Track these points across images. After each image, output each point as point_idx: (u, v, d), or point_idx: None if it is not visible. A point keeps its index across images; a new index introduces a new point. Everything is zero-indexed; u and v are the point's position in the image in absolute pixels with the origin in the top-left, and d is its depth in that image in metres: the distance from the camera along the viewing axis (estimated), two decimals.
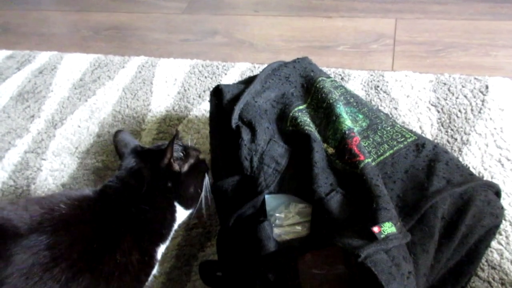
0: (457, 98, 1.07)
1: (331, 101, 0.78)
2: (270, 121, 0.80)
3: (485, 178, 0.90)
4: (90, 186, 0.98)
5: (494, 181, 0.90)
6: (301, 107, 0.81)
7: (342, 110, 0.77)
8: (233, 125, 0.78)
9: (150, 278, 0.74)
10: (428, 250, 0.60)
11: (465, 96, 1.07)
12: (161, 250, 0.75)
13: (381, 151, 0.72)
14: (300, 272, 0.65)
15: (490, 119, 1.01)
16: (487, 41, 1.25)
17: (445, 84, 1.11)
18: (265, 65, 1.29)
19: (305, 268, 0.65)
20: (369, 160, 0.68)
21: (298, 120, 0.76)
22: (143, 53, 1.47)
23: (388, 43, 1.32)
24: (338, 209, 0.63)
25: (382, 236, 0.56)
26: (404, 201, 0.65)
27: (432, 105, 1.07)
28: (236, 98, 0.81)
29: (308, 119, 0.79)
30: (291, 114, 0.79)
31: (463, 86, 1.10)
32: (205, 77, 1.29)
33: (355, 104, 0.81)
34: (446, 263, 0.65)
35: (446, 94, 1.09)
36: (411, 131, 0.76)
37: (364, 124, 0.77)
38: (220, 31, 1.54)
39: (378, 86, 1.15)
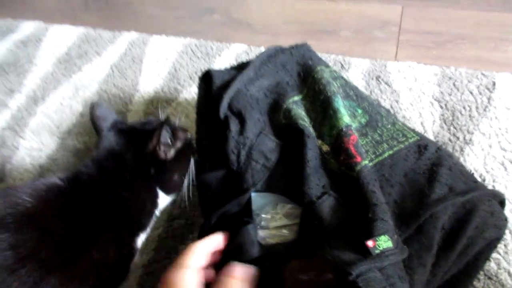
0: (462, 94, 1.01)
1: (329, 93, 0.72)
2: (261, 112, 0.74)
3: (487, 182, 0.86)
4: (70, 169, 0.92)
5: (496, 185, 0.85)
6: (296, 98, 0.75)
7: (340, 104, 0.71)
8: (221, 115, 0.72)
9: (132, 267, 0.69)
10: (425, 264, 0.56)
11: (471, 92, 1.01)
12: (141, 239, 0.71)
13: (380, 151, 0.67)
14: (286, 278, 0.60)
15: (496, 118, 0.95)
16: (497, 34, 1.18)
17: (450, 78, 1.05)
18: (262, 48, 1.23)
19: (291, 274, 0.60)
20: (367, 162, 0.63)
21: (292, 113, 0.70)
22: (134, 28, 1.39)
23: (393, 31, 1.25)
24: (330, 215, 0.58)
25: (377, 251, 0.50)
26: (401, 208, 0.60)
27: (435, 100, 1.01)
28: (226, 85, 0.75)
29: (303, 112, 0.73)
30: (285, 106, 0.72)
31: (469, 81, 1.03)
32: (198, 57, 1.22)
33: (354, 97, 0.75)
34: (442, 276, 0.60)
35: (451, 89, 1.03)
36: (413, 130, 0.70)
37: (363, 120, 0.71)
38: (217, 9, 1.45)
39: (379, 77, 1.08)
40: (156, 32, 1.36)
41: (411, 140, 0.67)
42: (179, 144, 0.73)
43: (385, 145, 0.67)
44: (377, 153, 0.66)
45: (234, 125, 0.70)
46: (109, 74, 1.22)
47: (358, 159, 0.63)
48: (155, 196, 0.71)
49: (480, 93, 1.00)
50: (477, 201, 0.60)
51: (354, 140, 0.65)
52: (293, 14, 1.39)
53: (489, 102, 0.98)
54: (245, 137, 0.68)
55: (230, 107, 0.73)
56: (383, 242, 0.52)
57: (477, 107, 0.98)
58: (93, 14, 1.51)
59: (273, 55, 0.81)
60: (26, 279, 0.53)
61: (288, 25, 1.35)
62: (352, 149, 0.64)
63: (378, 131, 0.69)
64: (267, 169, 0.66)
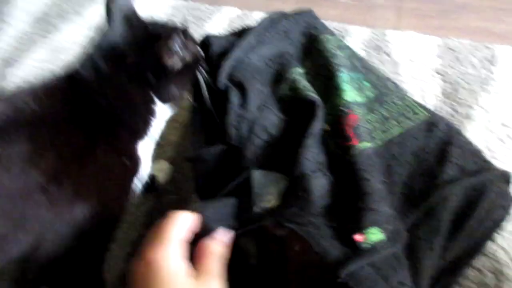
0: (464, 67, 0.98)
1: (332, 68, 0.67)
2: (263, 83, 0.69)
3: (486, 157, 0.85)
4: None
5: (495, 161, 0.84)
6: (300, 70, 0.70)
7: (344, 79, 0.66)
8: (221, 85, 0.67)
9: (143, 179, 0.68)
10: (435, 248, 0.54)
11: (473, 65, 0.98)
12: (142, 147, 0.67)
13: (388, 127, 0.64)
14: (290, 258, 0.58)
15: (496, 93, 0.93)
16: (501, 5, 1.14)
17: (452, 50, 1.02)
18: (255, 12, 1.17)
19: (293, 254, 0.58)
20: (368, 144, 0.60)
21: (300, 84, 0.66)
22: None
23: None
24: (319, 193, 0.55)
25: (366, 245, 0.49)
26: (411, 189, 0.58)
27: (437, 72, 0.98)
28: (226, 53, 0.70)
29: (307, 82, 0.69)
30: (290, 76, 0.68)
31: (471, 54, 1.00)
32: (189, 21, 1.15)
33: (361, 69, 0.71)
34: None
35: (453, 62, 1.00)
36: (423, 106, 0.67)
37: (371, 94, 0.68)
38: None
39: (379, 47, 1.04)
40: None
41: (421, 117, 0.65)
42: (188, 56, 0.66)
43: (394, 122, 0.64)
44: (386, 130, 0.64)
45: (234, 97, 0.65)
46: (92, 37, 1.13)
47: (355, 141, 0.60)
48: (151, 103, 0.65)
49: (482, 67, 0.98)
50: (487, 182, 0.58)
51: (353, 120, 0.62)
52: None
53: (490, 76, 0.96)
54: (247, 110, 0.64)
55: (230, 77, 0.69)
56: (373, 235, 0.50)
57: (478, 81, 0.95)
58: None
59: (276, 21, 0.75)
60: (47, 168, 0.53)
61: None
62: (349, 130, 0.61)
63: (386, 107, 0.66)
64: (270, 146, 0.63)
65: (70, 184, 0.55)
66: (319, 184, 0.56)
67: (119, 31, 0.64)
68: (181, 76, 0.66)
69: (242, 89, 0.67)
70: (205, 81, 0.69)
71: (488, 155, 0.84)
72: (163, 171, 0.85)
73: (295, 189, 0.56)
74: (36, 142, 0.54)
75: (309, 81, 0.70)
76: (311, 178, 0.56)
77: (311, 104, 0.62)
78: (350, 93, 0.66)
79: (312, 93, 0.64)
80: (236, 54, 0.70)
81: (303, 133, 0.61)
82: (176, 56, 0.63)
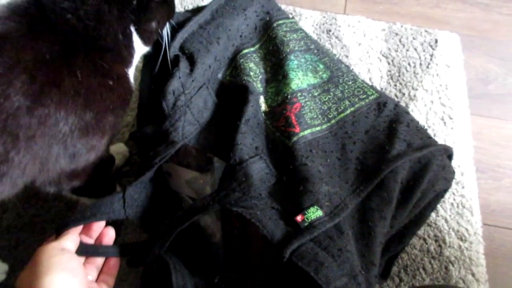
0: (407, 50, 1.04)
1: (282, 55, 0.70)
2: (217, 57, 0.69)
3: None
4: None
5: (436, 139, 0.90)
6: (251, 49, 0.71)
7: (292, 66, 0.69)
8: (171, 54, 0.66)
9: None
10: (386, 217, 0.58)
11: (415, 49, 1.04)
12: (131, 73, 0.65)
13: (342, 107, 0.67)
14: (249, 234, 0.60)
15: (437, 75, 1.00)
16: None
17: (396, 34, 1.07)
18: None
19: (254, 229, 0.59)
20: (305, 133, 0.63)
21: (239, 70, 0.67)
22: None
23: None
24: (259, 177, 0.57)
25: (306, 224, 0.52)
26: (363, 164, 0.61)
27: (383, 55, 1.03)
28: (180, 26, 0.69)
29: (252, 65, 0.70)
30: (236, 60, 0.69)
31: (414, 38, 1.06)
32: None
33: (315, 51, 0.73)
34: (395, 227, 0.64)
35: (397, 45, 1.05)
36: (372, 87, 0.70)
37: (324, 75, 0.70)
38: None
39: (330, 30, 1.07)
40: None
41: (371, 98, 0.68)
42: None
43: (347, 102, 0.67)
44: (339, 110, 0.66)
45: (183, 66, 0.64)
46: None
47: (297, 129, 0.63)
48: (129, 31, 0.61)
49: (424, 50, 1.04)
50: (431, 156, 0.63)
51: (297, 108, 0.64)
52: None
53: (431, 59, 1.03)
54: (193, 80, 0.63)
55: (182, 49, 0.68)
56: (311, 214, 0.53)
57: (420, 64, 1.02)
58: None
59: None
60: (24, 89, 0.50)
61: None
62: (292, 117, 0.63)
63: (340, 88, 0.69)
64: (199, 125, 0.63)
65: (54, 104, 0.52)
66: (258, 167, 0.59)
67: None
68: (159, 11, 0.63)
69: (192, 61, 0.66)
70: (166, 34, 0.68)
71: (430, 133, 0.90)
72: (121, 153, 0.82)
73: (236, 174, 0.58)
74: (6, 61, 0.49)
75: (258, 58, 0.71)
76: (249, 163, 0.58)
77: (245, 89, 0.64)
78: (296, 81, 0.68)
79: (246, 77, 0.66)
80: (191, 27, 0.69)
81: (238, 118, 0.62)
82: None
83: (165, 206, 0.65)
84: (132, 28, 0.61)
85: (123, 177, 0.82)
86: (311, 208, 0.54)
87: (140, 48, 0.64)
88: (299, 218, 0.53)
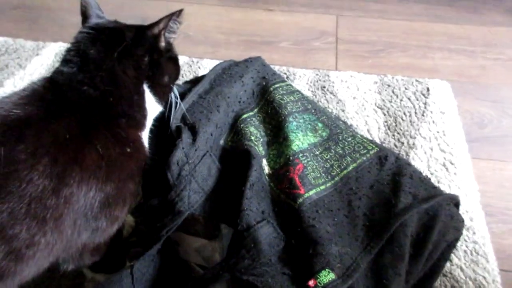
0: (401, 100, 1.07)
1: (281, 118, 0.72)
2: (218, 123, 0.71)
3: (434, 184, 0.91)
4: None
5: (441, 186, 0.91)
6: (250, 113, 0.74)
7: (292, 128, 0.71)
8: (173, 126, 0.68)
9: None
10: (400, 273, 0.57)
11: (409, 99, 1.07)
12: (145, 136, 0.65)
13: (344, 164, 0.68)
14: None
15: (433, 122, 1.02)
16: (424, 43, 1.27)
17: (389, 85, 1.11)
18: (204, 60, 1.20)
19: None
20: (310, 193, 0.64)
21: (240, 135, 0.70)
22: (60, 38, 1.28)
23: (331, 41, 1.29)
24: (267, 242, 0.58)
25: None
26: (371, 220, 0.61)
27: (378, 107, 1.06)
28: (181, 98, 0.71)
29: (253, 129, 0.72)
30: (237, 125, 0.72)
31: (406, 88, 1.10)
32: None
33: (313, 111, 0.76)
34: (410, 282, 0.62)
35: (391, 96, 1.08)
36: (371, 141, 0.72)
37: (324, 134, 0.72)
38: (150, 19, 1.37)
39: (324, 87, 1.11)
40: None
41: (372, 152, 0.69)
42: (174, 51, 0.67)
43: (348, 158, 0.68)
44: (342, 166, 0.67)
45: (186, 136, 0.66)
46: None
47: (301, 190, 0.64)
48: (142, 90, 0.63)
49: (417, 99, 1.07)
50: (438, 207, 0.63)
51: (300, 170, 0.66)
52: (231, 24, 1.38)
53: (425, 107, 1.05)
54: (195, 150, 0.65)
55: (183, 119, 0.70)
56: (324, 277, 0.53)
57: (416, 112, 1.04)
58: (11, 22, 1.37)
59: (227, 67, 0.79)
60: (47, 172, 0.50)
61: (226, 35, 1.33)
62: (296, 179, 0.65)
63: (340, 145, 0.70)
64: (204, 192, 0.64)
65: (77, 182, 0.52)
66: (266, 232, 0.59)
67: (103, 21, 0.64)
68: (170, 66, 0.66)
69: (193, 131, 0.68)
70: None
71: (434, 180, 0.91)
72: (128, 224, 0.82)
73: (244, 241, 0.58)
74: (28, 146, 0.51)
75: (258, 122, 0.74)
76: (257, 228, 0.58)
77: (247, 153, 0.65)
78: (297, 142, 0.70)
79: (248, 142, 0.67)
80: (191, 99, 0.72)
81: (242, 184, 0.63)
82: (168, 43, 0.64)
83: (175, 277, 0.64)
84: (145, 86, 0.63)
85: (131, 248, 0.81)
86: (323, 271, 0.53)
87: (152, 108, 0.66)
88: (311, 283, 0.53)
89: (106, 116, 0.59)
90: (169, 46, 0.66)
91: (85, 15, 0.67)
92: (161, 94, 0.66)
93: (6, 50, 1.23)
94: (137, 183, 0.62)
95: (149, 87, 0.63)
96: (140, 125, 0.64)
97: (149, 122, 0.66)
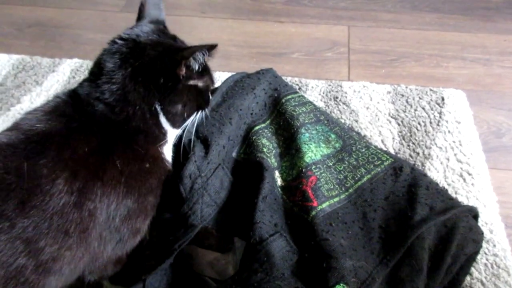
0: (415, 110, 1.06)
1: (293, 129, 0.72)
2: (231, 135, 0.71)
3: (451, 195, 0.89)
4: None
5: (458, 197, 0.89)
6: (262, 125, 0.74)
7: (304, 139, 0.71)
8: (185, 140, 0.68)
9: None
10: (419, 287, 0.55)
11: (423, 108, 1.06)
12: (167, 151, 0.65)
13: (358, 175, 0.67)
14: None
15: (449, 132, 1.00)
16: (437, 52, 1.26)
17: (402, 95, 1.10)
18: (216, 73, 1.21)
19: None
20: (323, 206, 0.63)
21: (252, 147, 0.69)
22: (76, 55, 1.30)
23: (343, 51, 1.29)
24: (280, 255, 0.57)
25: None
26: (387, 233, 0.60)
27: (392, 117, 1.05)
28: None
29: (265, 140, 0.72)
30: (249, 137, 0.72)
31: (420, 98, 1.09)
32: None
33: (326, 122, 0.75)
34: None
35: (405, 106, 1.07)
36: (386, 152, 0.71)
37: (337, 145, 0.71)
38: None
39: (337, 97, 1.10)
40: None
41: (386, 163, 0.68)
42: (200, 83, 0.65)
43: (362, 170, 0.67)
44: (356, 178, 0.66)
45: (198, 150, 0.66)
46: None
47: (315, 203, 0.63)
48: (155, 111, 0.62)
49: (432, 109, 1.06)
50: (456, 219, 0.61)
51: (313, 182, 0.65)
52: (243, 37, 1.39)
53: (440, 116, 1.04)
54: (207, 163, 0.65)
55: (196, 133, 0.70)
56: None
57: (431, 122, 1.03)
58: (28, 41, 1.40)
59: (239, 80, 0.79)
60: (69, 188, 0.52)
61: (238, 48, 1.34)
62: (309, 192, 0.64)
63: (354, 156, 0.70)
64: (217, 205, 0.63)
65: (99, 196, 0.53)
66: (279, 246, 0.58)
67: (146, 29, 0.63)
68: (186, 96, 0.63)
69: (206, 144, 0.68)
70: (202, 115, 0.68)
71: (451, 191, 0.89)
72: None
73: (257, 254, 0.57)
74: (49, 161, 0.52)
75: (270, 134, 0.73)
76: (270, 241, 0.58)
77: (260, 165, 0.65)
78: (309, 153, 0.69)
79: (260, 154, 0.67)
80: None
81: (255, 196, 0.63)
82: (191, 71, 0.62)
83: None
84: (158, 107, 0.61)
85: (146, 261, 0.81)
86: (337, 286, 0.52)
87: (166, 125, 0.64)
88: None
89: (123, 132, 0.59)
90: (194, 74, 0.64)
91: (138, 17, 0.68)
92: (173, 121, 0.64)
93: (24, 68, 1.26)
94: (157, 196, 0.62)
95: (161, 110, 0.62)
96: (160, 141, 0.63)
97: (171, 138, 0.66)
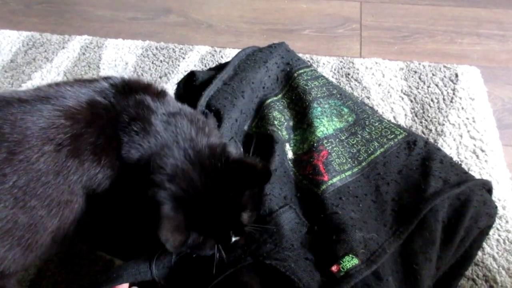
0: (428, 87, 1.04)
1: (306, 103, 0.71)
2: (243, 108, 0.71)
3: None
4: None
5: (471, 173, 0.88)
6: (274, 98, 0.73)
7: (316, 114, 0.70)
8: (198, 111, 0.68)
9: None
10: (431, 258, 0.56)
11: (436, 85, 1.04)
12: None
13: (371, 149, 0.66)
14: None
15: (462, 108, 0.99)
16: (451, 28, 1.23)
17: (415, 72, 1.08)
18: (227, 49, 1.20)
19: None
20: (334, 180, 0.63)
21: (263, 120, 0.69)
22: (85, 32, 1.30)
23: (355, 27, 1.26)
24: (289, 227, 0.57)
25: (342, 273, 0.51)
26: (400, 205, 0.60)
27: (404, 94, 1.03)
28: (206, 84, 0.72)
29: (277, 113, 0.72)
30: (261, 111, 0.71)
31: (433, 75, 1.07)
32: (161, 61, 1.16)
33: (338, 96, 0.74)
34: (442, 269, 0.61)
35: (418, 83, 1.06)
36: (399, 126, 0.70)
37: (350, 119, 0.71)
38: (174, 10, 1.39)
39: (349, 74, 1.09)
40: (109, 35, 1.28)
41: (399, 137, 0.67)
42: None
43: (375, 143, 0.67)
44: (369, 151, 0.66)
45: (211, 122, 0.66)
46: None
47: (325, 177, 0.63)
48: None
49: (445, 85, 1.04)
50: (470, 192, 0.61)
51: (324, 156, 0.65)
52: (254, 13, 1.37)
53: (454, 93, 1.02)
54: (219, 136, 0.65)
55: (208, 106, 0.70)
56: (347, 263, 0.52)
57: (444, 99, 1.01)
58: (37, 17, 1.40)
59: (251, 54, 0.78)
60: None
61: (249, 24, 1.33)
62: (320, 166, 0.64)
63: (367, 130, 0.69)
64: None
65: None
66: (288, 218, 0.59)
67: None
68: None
69: (219, 117, 0.68)
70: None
71: (464, 168, 0.88)
72: None
73: (266, 225, 0.57)
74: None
75: (280, 110, 0.73)
76: (279, 213, 0.58)
77: (270, 138, 0.65)
78: (321, 128, 0.69)
79: (271, 127, 0.67)
80: (216, 85, 0.72)
81: None
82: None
83: (194, 262, 0.64)
84: None
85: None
86: (346, 257, 0.52)
87: None
88: (334, 268, 0.52)
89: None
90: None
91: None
92: None
93: (34, 44, 1.25)
94: None
95: None
96: None
97: None
